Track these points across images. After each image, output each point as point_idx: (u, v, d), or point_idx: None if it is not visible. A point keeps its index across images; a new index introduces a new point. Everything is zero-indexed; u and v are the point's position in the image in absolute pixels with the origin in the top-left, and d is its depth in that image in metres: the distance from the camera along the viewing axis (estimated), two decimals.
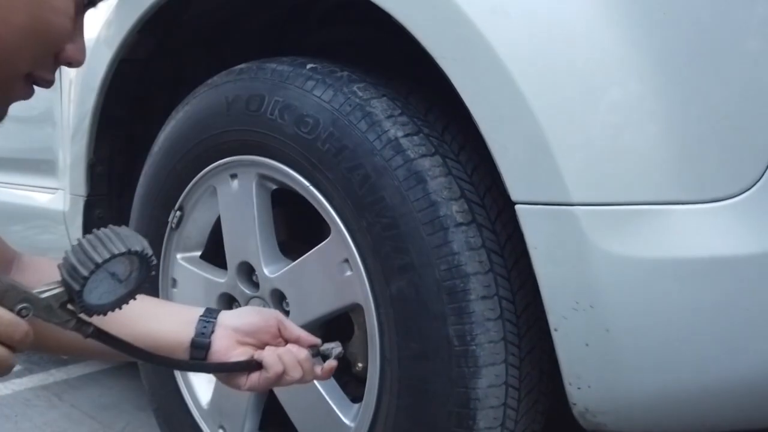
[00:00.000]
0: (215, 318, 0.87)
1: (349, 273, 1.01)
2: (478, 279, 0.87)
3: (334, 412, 1.05)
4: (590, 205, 0.75)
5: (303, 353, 0.87)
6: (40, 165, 1.65)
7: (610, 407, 0.80)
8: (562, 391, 0.86)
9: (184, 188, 1.24)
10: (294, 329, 0.90)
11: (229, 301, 1.22)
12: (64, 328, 0.65)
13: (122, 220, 1.43)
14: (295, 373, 0.85)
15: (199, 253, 1.30)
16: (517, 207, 0.79)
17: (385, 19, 0.92)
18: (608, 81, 0.75)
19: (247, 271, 1.18)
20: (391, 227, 0.92)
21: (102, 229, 0.63)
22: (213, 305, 1.23)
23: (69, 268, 0.62)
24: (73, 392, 1.90)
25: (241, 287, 1.18)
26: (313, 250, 1.05)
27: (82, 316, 0.66)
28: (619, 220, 0.74)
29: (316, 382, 1.07)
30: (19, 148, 1.75)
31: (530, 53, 0.77)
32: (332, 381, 1.09)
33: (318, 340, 0.90)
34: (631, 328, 0.75)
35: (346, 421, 1.05)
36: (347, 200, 0.97)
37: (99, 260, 0.61)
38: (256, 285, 1.17)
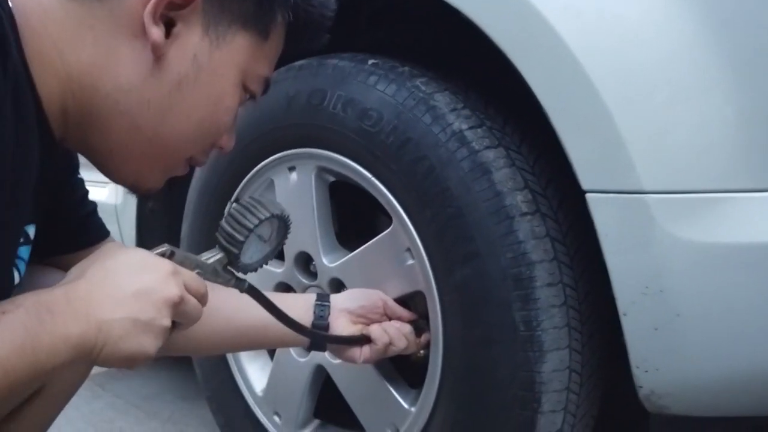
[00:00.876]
0: (329, 302, 1.01)
1: (411, 261, 1.03)
2: (543, 266, 0.90)
3: (394, 396, 1.08)
4: (661, 193, 0.77)
5: (406, 327, 1.02)
6: None
7: (676, 390, 0.82)
8: (619, 375, 0.88)
9: (241, 180, 1.27)
10: (396, 308, 1.03)
11: (285, 290, 1.25)
12: (227, 285, 0.79)
13: (176, 213, 1.46)
14: (401, 344, 1.00)
15: None
16: (588, 196, 0.81)
17: (437, 16, 0.94)
18: (680, 74, 0.77)
19: (305, 261, 1.21)
20: (457, 216, 0.94)
21: (245, 198, 0.81)
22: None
23: (226, 236, 0.75)
24: (114, 383, 1.93)
25: (299, 277, 1.21)
26: (374, 239, 1.08)
27: (239, 275, 0.80)
28: (689, 208, 0.76)
29: (373, 367, 1.10)
30: None
31: (602, 47, 0.79)
32: (391, 366, 1.11)
33: (416, 316, 1.04)
34: (701, 312, 0.77)
35: (406, 406, 1.07)
36: (411, 191, 1.00)
37: (251, 226, 0.75)
38: (313, 275, 1.19)
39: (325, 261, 1.16)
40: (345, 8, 1.35)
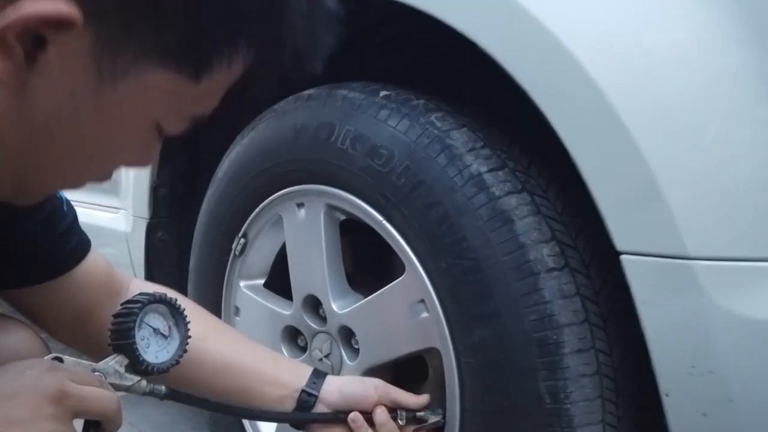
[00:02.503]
0: (317, 390, 0.89)
1: (425, 314, 0.93)
2: (572, 330, 0.78)
3: None
4: (710, 260, 0.65)
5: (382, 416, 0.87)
6: (102, 184, 1.61)
7: None
8: None
9: (249, 215, 1.18)
10: (393, 392, 0.90)
11: (293, 335, 1.15)
12: (139, 392, 0.70)
13: (184, 244, 1.38)
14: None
15: (262, 281, 1.23)
16: (623, 258, 0.69)
17: (455, 47, 0.84)
18: (732, 128, 0.65)
19: (314, 305, 1.11)
20: (474, 271, 0.83)
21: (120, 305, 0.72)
22: (277, 337, 1.16)
23: (115, 334, 0.69)
24: (132, 409, 1.85)
25: (307, 321, 1.11)
26: (386, 287, 0.97)
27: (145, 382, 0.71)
28: (743, 278, 0.64)
29: None
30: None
31: (639, 91, 0.68)
32: None
33: (416, 403, 0.90)
34: (756, 399, 0.65)
35: None
36: (424, 238, 0.89)
37: (136, 310, 0.69)
38: (323, 319, 1.09)
39: (334, 307, 1.06)
40: (359, 33, 1.25)
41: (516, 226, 0.82)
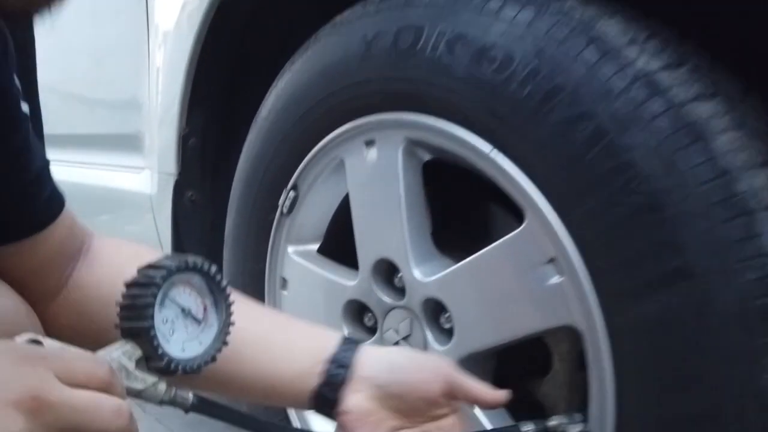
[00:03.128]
0: (350, 361, 0.60)
1: (557, 279, 0.66)
2: None
3: None
4: None
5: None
6: (122, 140, 1.37)
7: None
8: None
9: (300, 162, 0.92)
10: (464, 381, 0.60)
11: (359, 311, 0.89)
12: (155, 400, 0.47)
13: (219, 204, 1.13)
14: None
15: (316, 246, 0.97)
16: None
17: None
18: None
19: (388, 273, 0.85)
20: (648, 210, 0.56)
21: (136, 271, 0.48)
22: (337, 314, 0.90)
23: (126, 311, 0.47)
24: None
25: (378, 293, 0.85)
26: (495, 244, 0.71)
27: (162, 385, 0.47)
28: None
29: None
30: (97, 120, 1.48)
31: None
32: None
33: (493, 400, 0.61)
34: None
35: None
36: (560, 169, 0.63)
37: (159, 280, 0.47)
38: (400, 291, 0.83)
39: (416, 273, 0.79)
40: None
41: (713, 143, 0.55)
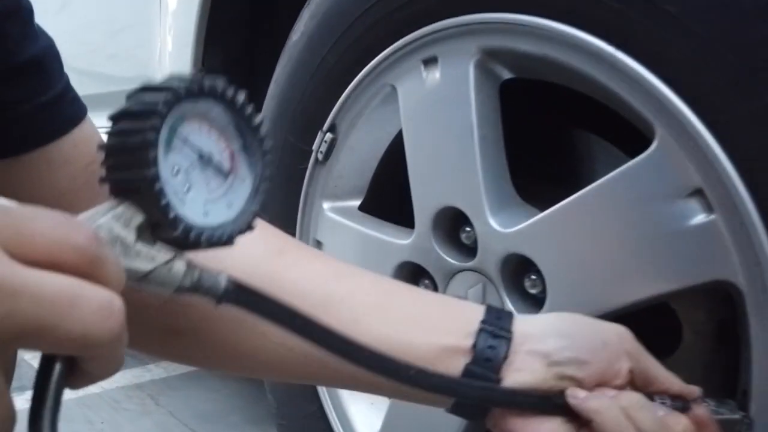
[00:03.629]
0: (509, 330, 0.44)
1: (703, 218, 0.48)
2: None
3: None
4: None
5: (676, 419, 0.42)
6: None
7: None
8: None
9: (339, 95, 0.75)
10: (651, 364, 0.44)
11: (414, 275, 0.71)
12: (170, 287, 0.32)
13: None
14: None
15: (358, 202, 0.80)
16: None
17: None
18: None
19: (452, 226, 0.67)
20: None
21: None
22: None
23: (117, 152, 0.30)
24: (171, 394, 1.46)
25: (440, 252, 0.67)
26: (609, 176, 0.53)
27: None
28: None
29: None
30: (108, 75, 1.31)
31: None
32: None
33: (684, 390, 0.44)
34: None
35: None
36: (717, 58, 0.44)
37: (161, 107, 0.29)
38: (468, 249, 0.66)
39: (494, 223, 0.61)
40: None
41: None
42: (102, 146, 0.31)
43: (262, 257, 0.47)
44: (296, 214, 0.82)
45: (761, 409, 0.46)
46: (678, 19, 0.46)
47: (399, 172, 0.71)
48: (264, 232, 0.49)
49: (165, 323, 0.46)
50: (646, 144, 0.50)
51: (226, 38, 0.96)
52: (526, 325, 0.45)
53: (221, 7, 0.94)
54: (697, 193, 0.48)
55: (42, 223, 0.25)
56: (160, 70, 1.04)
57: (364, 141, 0.77)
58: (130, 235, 0.30)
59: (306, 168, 0.80)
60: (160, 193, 0.30)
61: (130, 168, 0.30)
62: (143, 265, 0.31)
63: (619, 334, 0.44)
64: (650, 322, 0.56)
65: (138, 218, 0.31)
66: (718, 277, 0.47)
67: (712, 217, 0.47)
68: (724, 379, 0.52)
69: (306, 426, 0.85)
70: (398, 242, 0.71)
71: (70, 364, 0.26)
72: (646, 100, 0.49)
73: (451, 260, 0.66)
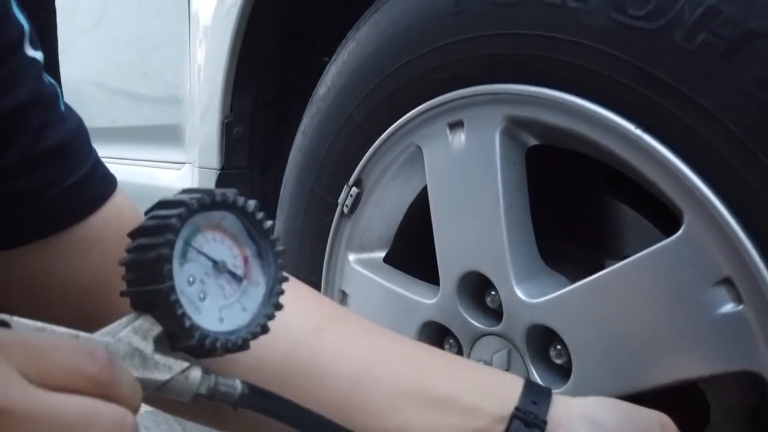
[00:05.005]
0: (542, 417, 0.42)
1: (732, 307, 0.47)
2: None
3: None
4: None
5: None
6: (161, 132, 1.22)
7: None
8: None
9: (366, 151, 0.75)
10: None
11: (438, 335, 0.71)
12: (187, 395, 0.33)
13: (267, 204, 0.97)
14: None
15: (383, 254, 0.80)
16: None
17: None
18: None
19: (478, 290, 0.66)
20: None
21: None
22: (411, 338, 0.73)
23: (135, 268, 0.32)
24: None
25: (465, 314, 0.67)
26: (637, 256, 0.52)
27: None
28: None
29: None
30: (134, 113, 1.34)
31: None
32: None
33: None
34: None
35: None
36: (748, 152, 0.44)
37: (175, 221, 0.32)
38: (493, 313, 0.65)
39: (519, 293, 0.61)
40: None
41: None
42: (122, 262, 0.33)
43: (299, 336, 0.48)
44: (322, 264, 0.82)
45: None
46: (709, 111, 0.45)
47: (424, 224, 0.71)
48: (300, 304, 0.50)
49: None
50: (678, 222, 0.50)
51: (255, 83, 0.97)
52: (562, 409, 0.44)
53: (249, 49, 0.95)
54: (726, 281, 0.47)
55: (60, 354, 0.27)
56: (190, 116, 1.06)
57: (390, 195, 0.77)
58: (148, 347, 0.33)
59: (332, 220, 0.80)
60: (176, 304, 0.32)
61: (147, 282, 0.33)
62: (161, 375, 0.33)
63: (661, 423, 0.44)
64: (678, 399, 0.55)
65: (156, 330, 0.33)
66: (746, 367, 0.46)
67: (741, 307, 0.46)
68: None
69: None
70: (423, 301, 0.71)
71: None
72: (673, 184, 0.49)
73: (477, 323, 0.66)
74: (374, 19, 0.73)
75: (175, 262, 0.33)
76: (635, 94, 0.50)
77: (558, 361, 0.60)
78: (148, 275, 0.32)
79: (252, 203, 0.36)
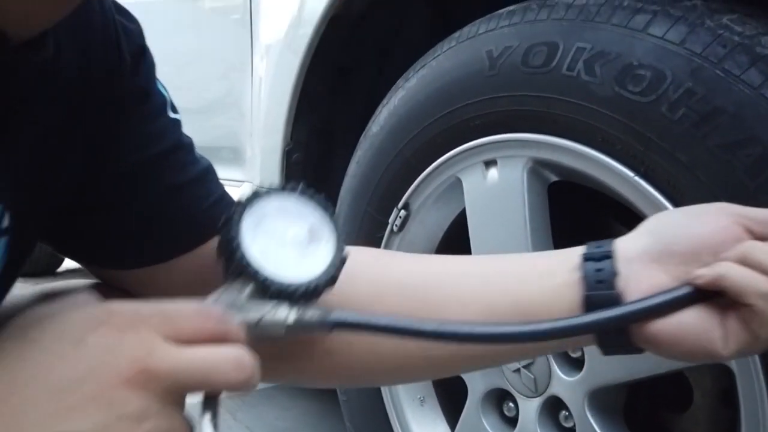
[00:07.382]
0: (610, 252, 0.44)
1: None
2: None
3: None
4: None
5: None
6: (222, 153, 1.38)
7: None
8: None
9: (413, 180, 0.90)
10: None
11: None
12: (281, 330, 0.41)
13: None
14: None
15: None
16: None
17: None
18: None
19: None
20: None
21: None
22: None
23: (224, 248, 0.42)
24: (248, 410, 1.63)
25: None
26: None
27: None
28: None
29: None
30: (195, 132, 1.50)
31: None
32: None
33: None
34: None
35: None
36: (719, 199, 0.58)
37: (234, 215, 0.42)
38: None
39: None
40: None
41: None
42: (216, 248, 0.43)
43: (374, 269, 0.54)
44: None
45: None
46: (685, 165, 0.60)
47: (460, 239, 0.86)
48: (365, 252, 0.57)
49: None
50: None
51: (311, 117, 1.13)
52: (626, 238, 0.45)
53: (308, 86, 1.10)
54: None
55: (185, 315, 0.36)
56: (250, 138, 1.22)
57: (433, 216, 0.92)
58: (241, 298, 0.41)
59: (382, 236, 0.95)
60: (253, 269, 0.41)
61: (229, 257, 0.42)
62: (255, 314, 0.41)
63: (717, 207, 0.45)
64: (668, 387, 0.70)
65: (247, 287, 0.42)
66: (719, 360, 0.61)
67: None
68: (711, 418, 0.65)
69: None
70: None
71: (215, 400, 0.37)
72: None
73: None
74: (422, 72, 0.88)
75: (250, 235, 0.42)
76: (632, 148, 0.64)
77: (574, 355, 0.75)
78: (228, 251, 0.42)
79: (311, 189, 0.44)
